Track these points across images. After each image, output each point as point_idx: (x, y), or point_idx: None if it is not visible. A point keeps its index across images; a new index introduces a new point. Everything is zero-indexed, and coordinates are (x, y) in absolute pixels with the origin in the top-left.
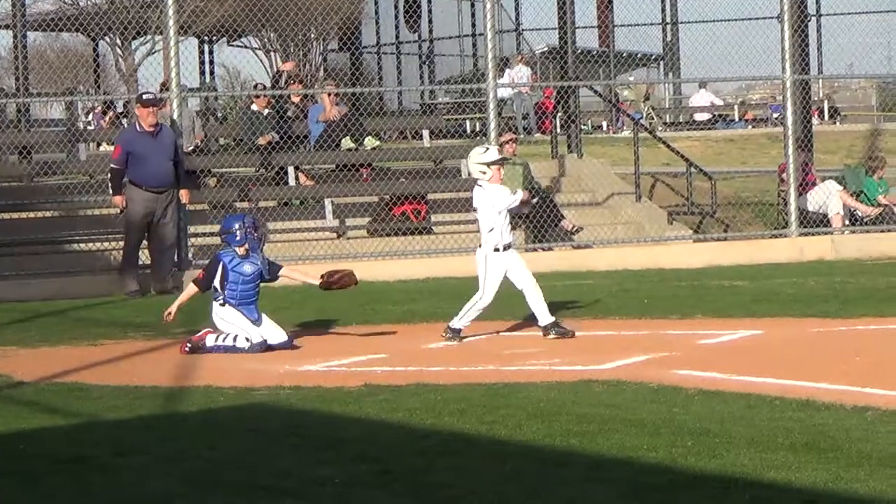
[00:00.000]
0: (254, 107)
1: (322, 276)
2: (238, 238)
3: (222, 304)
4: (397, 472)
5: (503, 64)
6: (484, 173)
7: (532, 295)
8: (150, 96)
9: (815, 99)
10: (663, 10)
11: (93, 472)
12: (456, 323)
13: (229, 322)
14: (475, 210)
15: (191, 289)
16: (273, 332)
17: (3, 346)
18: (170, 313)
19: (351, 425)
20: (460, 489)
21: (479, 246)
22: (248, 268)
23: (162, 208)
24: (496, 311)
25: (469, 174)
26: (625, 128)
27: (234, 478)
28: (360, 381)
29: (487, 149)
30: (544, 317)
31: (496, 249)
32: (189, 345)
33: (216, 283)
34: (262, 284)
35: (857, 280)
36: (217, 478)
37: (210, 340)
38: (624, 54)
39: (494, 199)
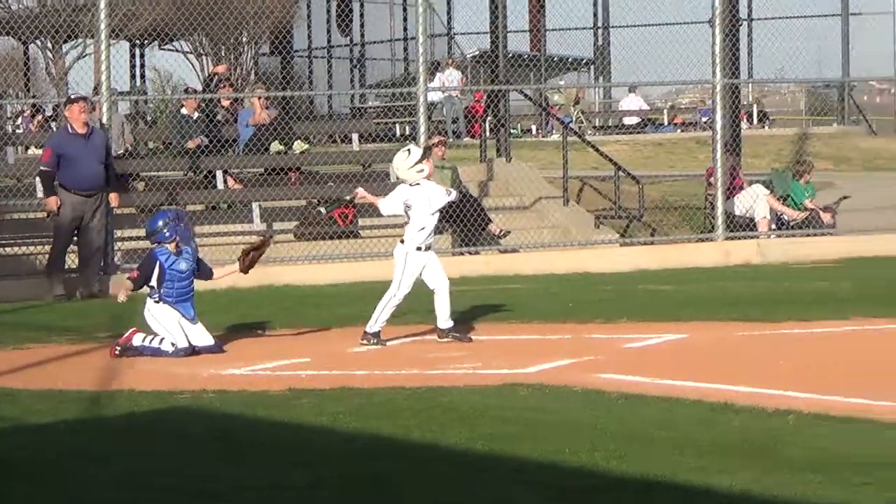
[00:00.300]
0: (183, 110)
1: (238, 260)
2: (167, 234)
3: (157, 302)
4: (323, 477)
5: (434, 68)
6: (421, 171)
7: (442, 297)
8: (79, 95)
9: (745, 103)
10: (595, 15)
11: (16, 478)
12: (372, 326)
13: (160, 322)
14: (408, 209)
15: (127, 284)
16: (201, 335)
17: None
18: (115, 296)
19: (276, 429)
20: (385, 493)
21: (401, 242)
22: (183, 265)
23: (91, 212)
24: (420, 314)
25: (401, 180)
26: (554, 132)
27: (161, 483)
28: (285, 385)
29: (409, 150)
30: (444, 321)
31: (418, 248)
32: (118, 347)
33: (153, 281)
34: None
35: (782, 284)
36: (144, 483)
37: (137, 340)
38: (555, 58)
39: (432, 197)
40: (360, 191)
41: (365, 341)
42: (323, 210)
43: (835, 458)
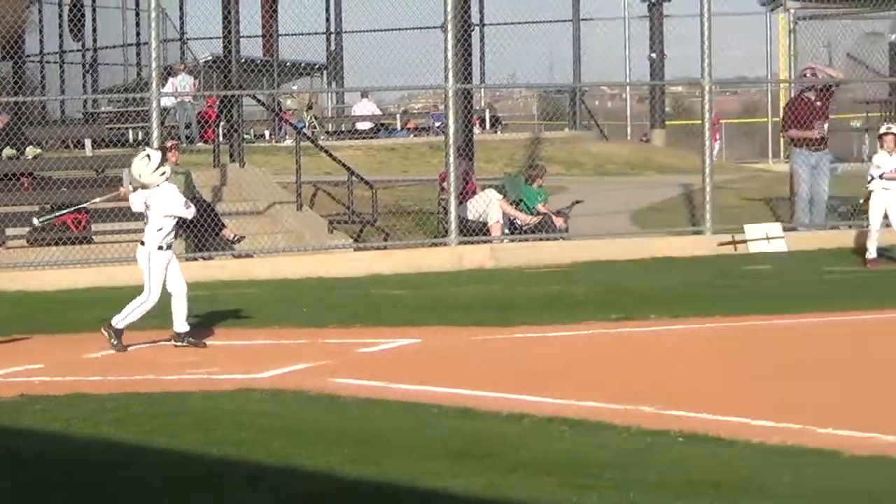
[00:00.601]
0: None
1: None
2: None
3: None
4: (51, 485)
5: (167, 73)
6: (164, 174)
7: (179, 301)
8: None
9: (478, 108)
10: (327, 20)
11: None
12: (119, 322)
13: None
14: (147, 208)
15: None
16: None
17: None
18: None
19: (7, 437)
20: (117, 500)
21: (142, 244)
22: None
23: None
24: (158, 318)
25: (143, 186)
26: (287, 137)
27: None
28: (17, 391)
29: (148, 156)
30: (181, 325)
31: (160, 248)
32: None
33: None
34: None
35: (515, 288)
36: None
37: None
38: (288, 63)
39: (168, 202)
40: (124, 189)
41: (107, 334)
42: (36, 220)
43: (567, 460)
